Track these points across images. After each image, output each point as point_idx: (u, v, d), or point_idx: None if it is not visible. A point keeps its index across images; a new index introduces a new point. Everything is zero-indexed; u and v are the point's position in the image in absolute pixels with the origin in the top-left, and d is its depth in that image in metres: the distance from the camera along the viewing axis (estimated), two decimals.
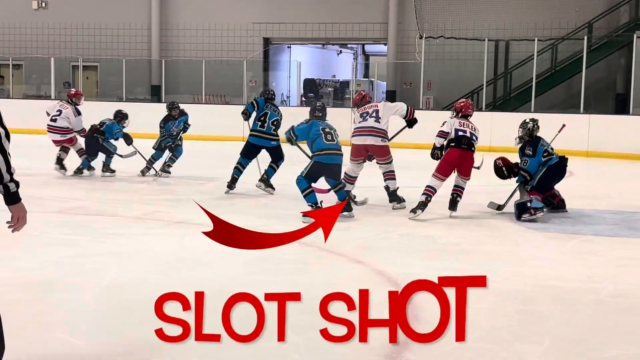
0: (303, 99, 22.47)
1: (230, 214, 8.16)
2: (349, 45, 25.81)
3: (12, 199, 3.11)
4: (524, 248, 6.86)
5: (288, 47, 24.15)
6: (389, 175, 8.71)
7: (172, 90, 21.73)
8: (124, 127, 11.29)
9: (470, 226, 7.80)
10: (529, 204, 7.94)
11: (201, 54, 22.34)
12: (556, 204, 8.49)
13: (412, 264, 6.00)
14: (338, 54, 26.07)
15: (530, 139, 8.44)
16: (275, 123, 9.64)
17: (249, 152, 9.72)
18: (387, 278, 5.49)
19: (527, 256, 6.47)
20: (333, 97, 23.10)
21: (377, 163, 8.75)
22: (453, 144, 8.26)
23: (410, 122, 8.85)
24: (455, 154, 8.21)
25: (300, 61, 21.86)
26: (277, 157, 9.73)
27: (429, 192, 8.16)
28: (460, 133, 8.26)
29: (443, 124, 8.43)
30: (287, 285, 5.24)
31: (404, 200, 8.60)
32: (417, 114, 8.98)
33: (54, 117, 11.17)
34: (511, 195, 8.52)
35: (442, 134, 8.31)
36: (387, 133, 8.71)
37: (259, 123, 9.60)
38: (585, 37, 17.85)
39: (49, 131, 11.23)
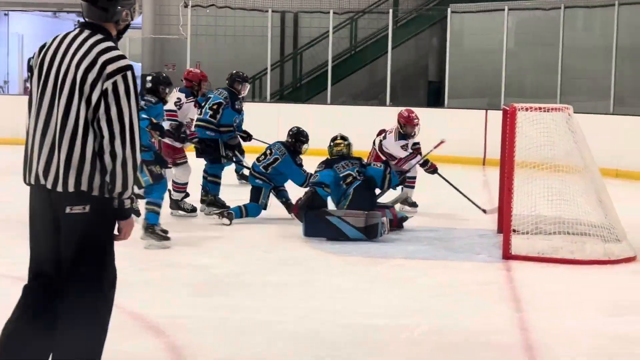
0: (27, 85, 21.74)
1: None
2: None
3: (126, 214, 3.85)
4: (320, 277, 7.05)
5: (5, 14, 23.31)
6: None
7: None
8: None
9: (255, 252, 7.92)
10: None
11: None
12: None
13: (177, 304, 6.00)
14: (75, 25, 25.51)
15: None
16: None
17: None
18: (147, 323, 5.46)
19: (325, 287, 6.68)
20: None
21: None
22: None
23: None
24: None
25: (22, 34, 21.17)
26: None
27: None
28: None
29: None
30: None
31: None
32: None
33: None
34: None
35: None
36: None
37: None
38: (391, 11, 18.60)
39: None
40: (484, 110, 16.18)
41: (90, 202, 3.71)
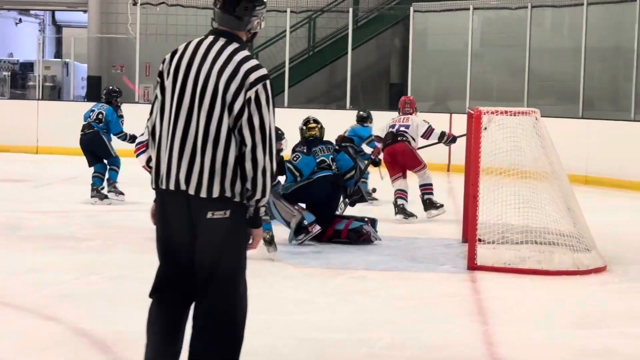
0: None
1: None
2: (32, 12, 25.15)
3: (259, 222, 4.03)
4: (277, 289, 7.05)
5: None
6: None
7: None
8: None
9: None
10: (305, 222, 8.54)
11: None
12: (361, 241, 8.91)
13: (124, 318, 5.94)
14: (17, 23, 25.32)
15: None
16: (98, 115, 11.42)
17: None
18: (92, 339, 5.42)
19: (281, 300, 6.67)
20: (10, 84, 22.37)
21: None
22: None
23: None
24: (385, 153, 10.81)
25: None
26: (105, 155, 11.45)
27: (401, 194, 10.52)
28: (389, 129, 10.97)
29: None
30: None
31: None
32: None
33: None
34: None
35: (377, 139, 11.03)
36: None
37: None
38: (351, 10, 18.72)
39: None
40: (448, 114, 16.27)
41: (232, 208, 3.87)
